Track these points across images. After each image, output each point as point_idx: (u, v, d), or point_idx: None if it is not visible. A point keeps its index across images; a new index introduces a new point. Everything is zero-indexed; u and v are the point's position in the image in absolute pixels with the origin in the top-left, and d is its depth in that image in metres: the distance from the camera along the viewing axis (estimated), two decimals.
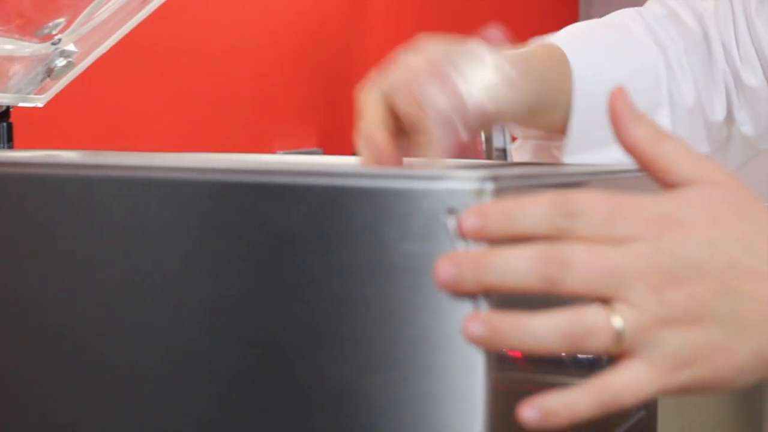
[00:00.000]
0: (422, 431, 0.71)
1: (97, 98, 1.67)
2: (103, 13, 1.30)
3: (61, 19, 1.27)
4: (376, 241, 0.71)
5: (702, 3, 1.26)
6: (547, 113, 1.10)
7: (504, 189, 0.71)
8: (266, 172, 0.74)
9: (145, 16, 1.31)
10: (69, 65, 1.28)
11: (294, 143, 2.14)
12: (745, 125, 1.25)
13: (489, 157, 2.17)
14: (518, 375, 0.74)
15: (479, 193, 0.70)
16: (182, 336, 0.75)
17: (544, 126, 1.14)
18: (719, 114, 1.23)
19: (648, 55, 1.21)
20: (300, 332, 0.73)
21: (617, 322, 0.69)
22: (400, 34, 2.53)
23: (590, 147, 1.13)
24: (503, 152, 2.24)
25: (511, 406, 0.73)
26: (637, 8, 1.28)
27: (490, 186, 0.70)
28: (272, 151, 2.06)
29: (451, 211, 0.70)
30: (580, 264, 0.68)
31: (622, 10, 1.28)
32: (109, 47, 1.30)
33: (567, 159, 1.15)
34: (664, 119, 1.18)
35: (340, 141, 2.28)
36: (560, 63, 1.14)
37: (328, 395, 0.73)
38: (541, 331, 0.69)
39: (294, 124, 2.16)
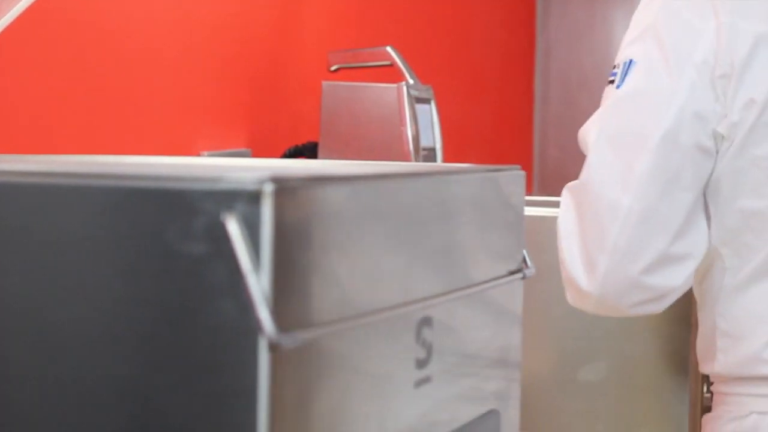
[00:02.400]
0: (207, 428, 0.72)
1: (16, 99, 1.68)
2: None
3: None
4: (160, 242, 0.72)
5: None
6: None
7: (283, 190, 0.72)
8: (53, 174, 0.75)
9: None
10: None
11: (220, 144, 2.14)
12: None
13: (416, 157, 2.18)
14: (303, 373, 0.75)
15: (258, 194, 0.71)
16: None
17: None
18: None
19: None
20: (87, 332, 0.74)
21: None
22: (332, 36, 2.55)
23: None
24: (432, 151, 2.25)
25: (294, 402, 0.74)
26: None
27: (269, 187, 0.71)
28: (196, 152, 2.07)
29: (232, 212, 0.71)
30: None
31: None
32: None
33: None
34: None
35: (270, 141, 2.29)
36: None
37: (116, 394, 0.74)
38: None
39: (220, 124, 2.16)
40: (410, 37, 2.98)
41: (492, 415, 1.05)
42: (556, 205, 2.34)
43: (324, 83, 2.21)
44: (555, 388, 2.03)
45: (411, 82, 2.21)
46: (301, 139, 2.28)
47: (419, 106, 2.21)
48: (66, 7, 1.77)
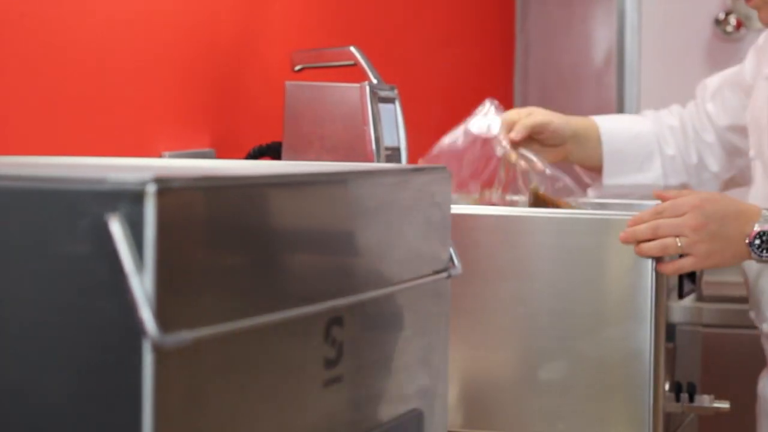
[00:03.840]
0: (93, 429, 0.72)
1: None
2: None
3: None
4: (45, 243, 0.72)
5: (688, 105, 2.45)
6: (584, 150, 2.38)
7: (167, 190, 0.72)
8: None
9: None
10: None
11: (183, 144, 2.14)
12: (711, 165, 2.41)
13: (379, 156, 2.17)
14: (192, 373, 0.75)
15: (141, 195, 0.71)
16: None
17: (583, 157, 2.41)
18: (694, 159, 2.42)
19: (647, 127, 2.44)
20: None
21: (679, 241, 1.92)
22: (298, 35, 2.54)
23: (619, 174, 2.40)
24: (396, 151, 2.25)
25: (182, 402, 0.74)
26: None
27: (152, 188, 0.71)
28: (157, 153, 2.07)
29: (115, 212, 0.71)
30: (664, 226, 1.92)
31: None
32: None
33: (606, 181, 2.41)
34: (656, 161, 2.42)
35: (234, 141, 2.29)
36: (590, 119, 2.42)
37: (4, 395, 0.74)
38: (649, 245, 1.92)
39: (183, 124, 2.16)
40: (385, 36, 2.98)
41: (414, 414, 1.05)
42: (519, 205, 2.33)
43: (287, 83, 2.21)
44: (516, 387, 2.03)
45: (374, 81, 2.21)
46: (266, 139, 2.28)
47: (383, 106, 2.21)
48: (24, 5, 1.77)
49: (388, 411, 1.01)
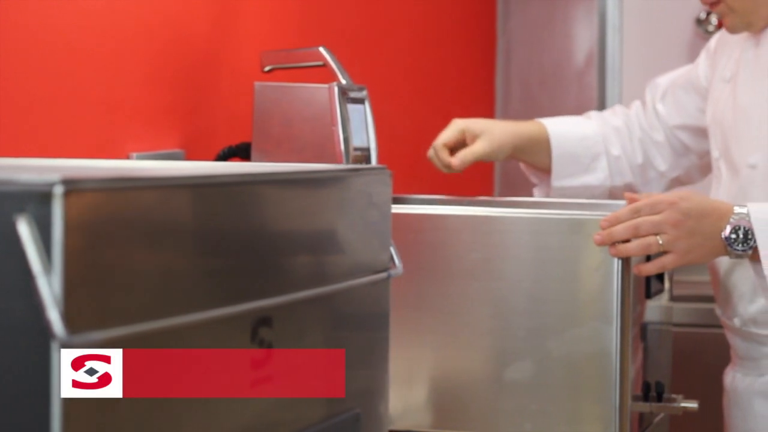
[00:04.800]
0: (4, 429, 0.72)
1: None
2: None
3: None
4: None
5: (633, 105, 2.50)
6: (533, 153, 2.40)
7: (74, 192, 0.72)
8: None
9: None
10: None
11: (152, 145, 2.14)
12: (659, 164, 2.44)
13: (347, 157, 2.18)
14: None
15: (49, 196, 0.71)
16: None
17: (532, 162, 2.43)
18: (639, 159, 2.45)
19: (593, 128, 2.46)
20: None
21: (660, 239, 1.94)
22: (269, 35, 2.54)
23: (567, 176, 2.41)
24: (366, 151, 2.26)
25: (93, 403, 0.75)
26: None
27: (59, 189, 0.72)
28: (124, 154, 2.07)
29: (23, 213, 0.71)
30: (645, 224, 1.94)
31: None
32: None
33: (555, 183, 2.41)
34: (603, 162, 2.43)
35: (204, 142, 2.29)
36: (537, 123, 2.43)
37: None
38: (631, 245, 1.93)
39: (152, 125, 2.16)
40: (364, 37, 2.98)
41: (350, 415, 1.05)
42: (488, 204, 2.34)
43: (256, 84, 2.21)
44: (482, 387, 2.04)
45: (344, 82, 2.22)
46: (237, 140, 2.28)
47: (352, 107, 2.21)
48: None
49: (323, 412, 1.02)
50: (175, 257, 0.82)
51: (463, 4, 3.71)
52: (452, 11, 3.60)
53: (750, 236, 1.97)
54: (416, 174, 2.61)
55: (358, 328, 1.07)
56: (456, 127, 2.35)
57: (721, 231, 1.97)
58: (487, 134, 2.34)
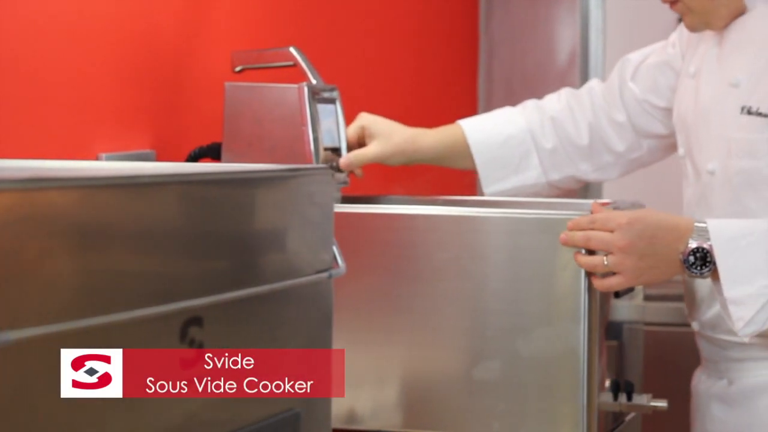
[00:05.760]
0: None
1: None
2: None
3: None
4: None
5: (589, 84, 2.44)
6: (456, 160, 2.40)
7: None
8: None
9: None
10: None
11: (122, 145, 2.14)
12: (616, 145, 2.36)
13: (317, 157, 2.18)
14: (19, 373, 0.75)
15: None
16: None
17: (460, 167, 2.42)
18: (585, 140, 2.37)
19: (519, 125, 2.38)
20: None
21: (606, 260, 1.96)
22: (241, 35, 2.54)
23: (497, 181, 2.36)
24: (336, 151, 2.26)
25: (7, 404, 0.75)
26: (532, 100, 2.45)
27: None
28: (93, 155, 2.06)
29: None
30: (595, 239, 1.96)
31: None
32: None
33: (486, 189, 2.38)
34: (533, 160, 2.37)
35: (175, 142, 2.29)
36: (456, 128, 2.39)
37: None
38: (580, 258, 1.96)
39: (122, 125, 2.16)
40: (344, 37, 2.98)
41: (290, 415, 1.05)
42: (459, 204, 2.34)
43: (226, 84, 2.22)
44: (450, 387, 2.04)
45: (314, 82, 2.22)
46: (208, 140, 2.28)
47: (323, 107, 2.21)
48: None
49: (260, 411, 1.02)
50: (99, 257, 0.82)
51: (446, 3, 3.71)
52: (434, 11, 3.60)
53: (709, 259, 1.94)
54: (395, 173, 2.61)
55: (298, 328, 1.07)
56: (358, 122, 2.31)
57: (678, 252, 1.95)
58: (384, 138, 2.29)
